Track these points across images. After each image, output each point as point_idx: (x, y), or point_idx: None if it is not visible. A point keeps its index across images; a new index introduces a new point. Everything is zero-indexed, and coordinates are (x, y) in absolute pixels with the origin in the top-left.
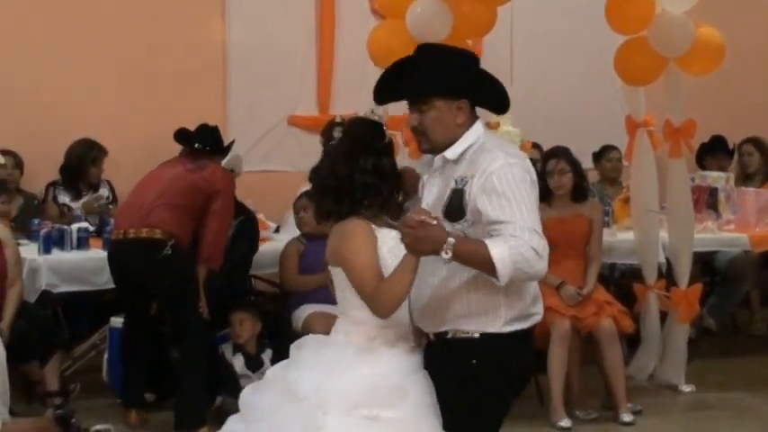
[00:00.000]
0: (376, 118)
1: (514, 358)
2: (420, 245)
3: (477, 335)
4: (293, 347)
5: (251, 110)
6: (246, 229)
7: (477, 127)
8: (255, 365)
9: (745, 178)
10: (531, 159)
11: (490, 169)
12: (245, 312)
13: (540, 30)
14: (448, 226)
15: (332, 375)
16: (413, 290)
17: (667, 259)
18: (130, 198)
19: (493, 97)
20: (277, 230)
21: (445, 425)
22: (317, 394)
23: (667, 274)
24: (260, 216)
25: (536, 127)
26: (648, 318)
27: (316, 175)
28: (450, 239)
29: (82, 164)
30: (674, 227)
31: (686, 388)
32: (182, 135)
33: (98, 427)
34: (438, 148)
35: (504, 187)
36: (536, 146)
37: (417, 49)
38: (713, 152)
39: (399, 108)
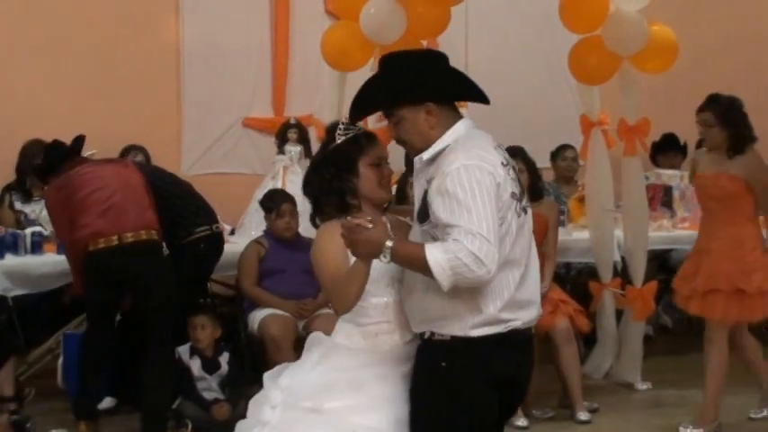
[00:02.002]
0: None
1: (485, 362)
2: (358, 248)
3: (448, 337)
4: None
5: (206, 112)
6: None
7: (457, 128)
8: (212, 368)
9: None
10: None
11: (447, 170)
12: (205, 317)
13: (495, 30)
14: (417, 227)
15: (294, 372)
16: (403, 289)
17: (623, 257)
18: (103, 203)
19: (461, 91)
20: (232, 233)
21: (413, 425)
22: (272, 392)
23: (623, 273)
24: None
25: (492, 126)
26: (604, 316)
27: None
28: (389, 243)
29: (22, 163)
30: (630, 225)
31: (642, 386)
32: (78, 144)
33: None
34: (414, 155)
35: (457, 189)
36: None
37: (379, 63)
38: (665, 150)
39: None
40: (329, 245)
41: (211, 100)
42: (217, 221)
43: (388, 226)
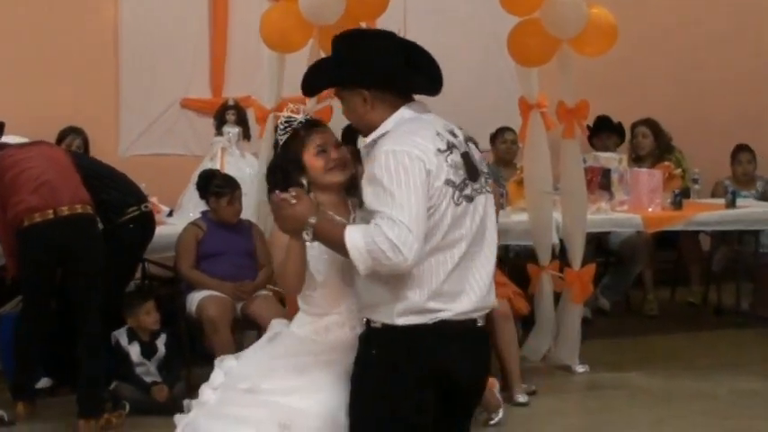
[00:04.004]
0: (289, 112)
1: (412, 354)
2: (283, 223)
3: (379, 324)
4: None
5: (143, 93)
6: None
7: (400, 113)
8: (151, 353)
9: (636, 159)
10: None
11: (376, 156)
12: (151, 302)
13: (434, 11)
14: (358, 213)
15: (241, 355)
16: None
17: (561, 240)
18: (34, 180)
19: (394, 80)
20: (170, 214)
21: (349, 411)
22: (215, 373)
23: (561, 255)
24: (153, 200)
25: (432, 109)
26: (542, 298)
27: None
28: (312, 219)
29: None
30: (568, 208)
31: (580, 368)
32: None
33: None
34: (365, 137)
35: (383, 174)
36: None
37: (331, 43)
38: (598, 132)
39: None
40: (280, 233)
41: (149, 80)
42: (146, 201)
43: (315, 202)
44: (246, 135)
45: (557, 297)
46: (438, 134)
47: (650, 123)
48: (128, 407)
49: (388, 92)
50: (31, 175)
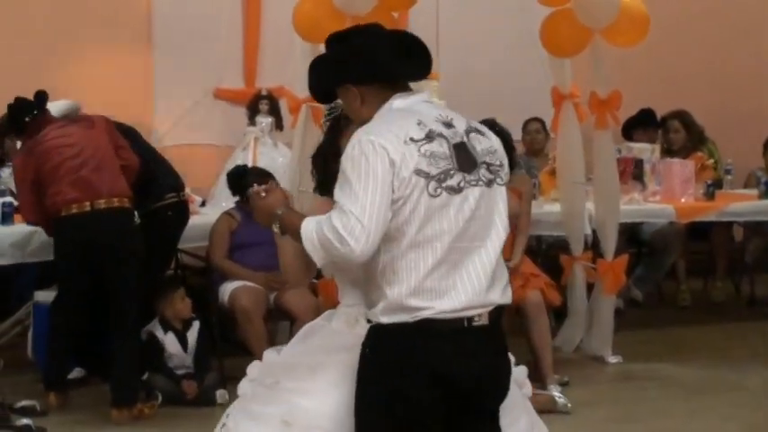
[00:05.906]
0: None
1: (399, 354)
2: (257, 216)
3: (374, 322)
4: None
5: (177, 83)
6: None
7: (387, 106)
8: (186, 343)
9: (668, 152)
10: None
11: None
12: (183, 289)
13: (466, 1)
14: None
15: (283, 348)
16: None
17: (594, 231)
18: (74, 173)
19: (374, 72)
20: (203, 204)
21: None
22: (251, 366)
23: (594, 246)
24: (186, 190)
25: (463, 99)
26: (575, 289)
27: None
28: (279, 212)
29: None
30: (601, 198)
31: (613, 359)
32: (41, 100)
33: (23, 403)
34: None
35: (347, 164)
36: None
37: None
38: (645, 126)
39: None
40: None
41: (182, 71)
42: (183, 189)
43: (286, 196)
44: (279, 125)
45: (589, 288)
46: (419, 123)
47: (682, 116)
48: (160, 397)
49: (376, 84)
50: (71, 166)
